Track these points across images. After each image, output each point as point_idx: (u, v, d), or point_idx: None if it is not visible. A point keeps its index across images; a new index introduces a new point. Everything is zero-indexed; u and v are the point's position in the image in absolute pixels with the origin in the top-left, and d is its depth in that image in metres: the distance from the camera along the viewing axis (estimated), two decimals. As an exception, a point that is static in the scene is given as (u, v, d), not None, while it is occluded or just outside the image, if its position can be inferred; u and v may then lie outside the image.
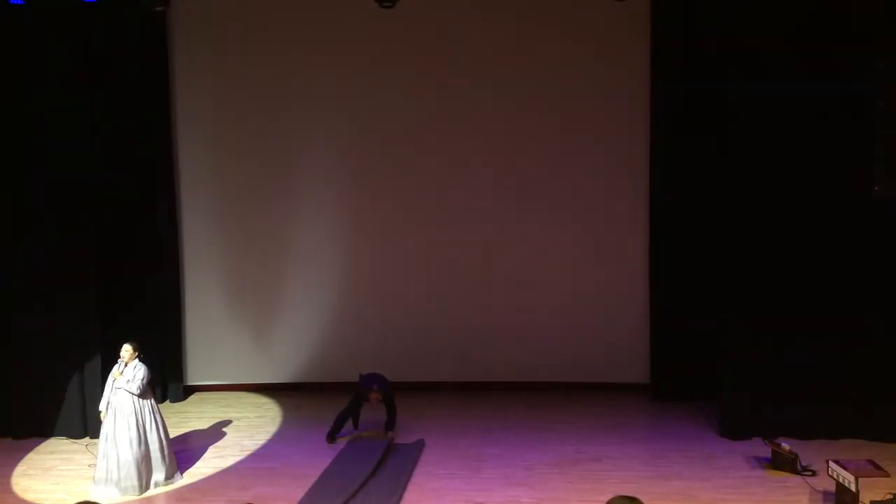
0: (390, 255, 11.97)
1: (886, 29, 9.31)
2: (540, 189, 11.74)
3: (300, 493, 8.65)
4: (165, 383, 11.77)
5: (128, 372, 8.85)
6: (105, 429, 8.83)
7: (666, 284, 11.35)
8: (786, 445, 9.06)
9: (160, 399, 11.72)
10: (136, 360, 8.93)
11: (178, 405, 11.72)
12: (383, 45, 11.61)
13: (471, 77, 11.63)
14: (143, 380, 8.81)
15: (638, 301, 11.66)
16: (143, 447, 8.80)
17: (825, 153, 9.55)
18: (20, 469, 9.53)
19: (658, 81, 11.17)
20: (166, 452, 9.03)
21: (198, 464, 9.58)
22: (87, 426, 10.33)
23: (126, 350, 8.93)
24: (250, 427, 10.78)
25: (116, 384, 8.79)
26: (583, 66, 11.52)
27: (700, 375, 10.98)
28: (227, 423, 10.95)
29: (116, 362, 8.93)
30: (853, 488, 7.69)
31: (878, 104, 9.40)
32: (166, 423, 9.24)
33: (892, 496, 7.85)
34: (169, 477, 9.04)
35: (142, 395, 8.87)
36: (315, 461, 9.55)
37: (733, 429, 9.93)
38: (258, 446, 10.13)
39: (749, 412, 9.87)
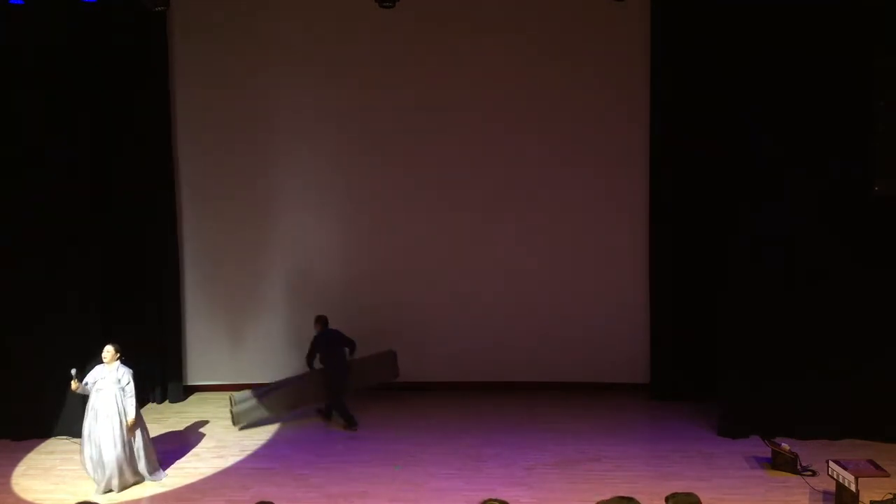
0: (390, 258, 11.96)
1: (886, 29, 9.31)
2: (540, 190, 11.74)
3: (300, 493, 8.68)
4: (165, 383, 11.78)
5: (111, 374, 8.79)
6: (86, 429, 8.80)
7: (666, 285, 11.35)
8: (786, 445, 9.07)
9: (160, 399, 11.74)
10: (118, 361, 8.88)
11: (178, 405, 11.71)
12: (383, 46, 11.60)
13: (471, 79, 11.63)
14: (129, 383, 8.80)
15: (638, 301, 11.65)
16: (126, 448, 8.79)
17: (825, 152, 9.55)
18: (20, 469, 9.53)
19: (658, 81, 11.17)
20: (150, 451, 9.05)
21: (198, 464, 9.58)
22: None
23: (107, 351, 8.85)
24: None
25: (102, 384, 8.77)
26: (583, 66, 11.52)
27: (699, 376, 11.00)
28: (227, 423, 10.94)
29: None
30: (853, 488, 7.69)
31: (878, 104, 9.40)
32: (146, 424, 9.24)
33: (892, 496, 7.85)
34: (151, 472, 9.03)
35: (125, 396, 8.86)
36: (315, 461, 9.57)
37: (733, 428, 9.94)
38: (258, 446, 10.13)
39: (749, 411, 9.88)
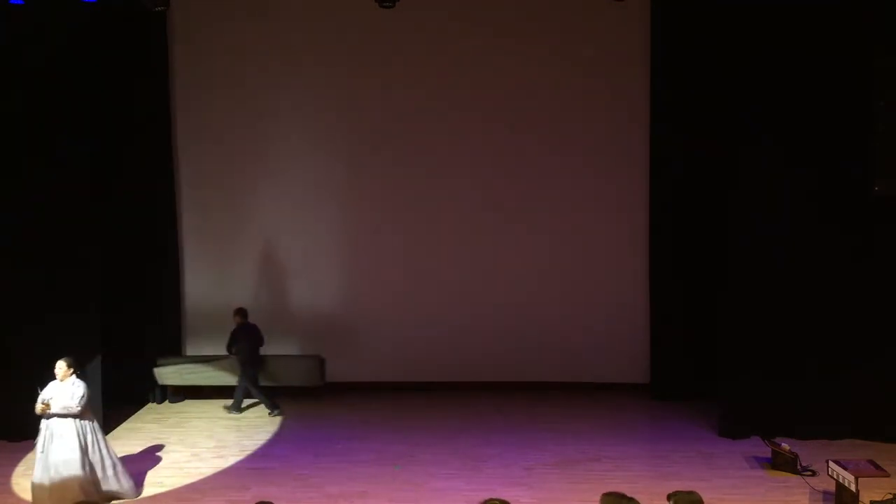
0: (392, 258, 11.97)
1: (886, 29, 9.31)
2: (540, 190, 11.74)
3: (300, 493, 8.67)
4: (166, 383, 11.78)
5: (64, 390, 8.11)
6: (39, 448, 8.12)
7: (666, 285, 11.36)
8: (786, 445, 9.07)
9: (160, 399, 11.74)
10: (73, 377, 8.20)
11: (178, 405, 11.71)
12: (384, 47, 11.61)
13: (470, 79, 11.64)
14: (82, 397, 8.08)
15: (638, 301, 11.66)
16: (87, 469, 8.13)
17: (825, 152, 9.54)
18: (20, 469, 9.52)
19: (658, 81, 11.18)
20: (118, 470, 8.43)
21: (198, 464, 9.58)
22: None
23: (59, 367, 8.16)
24: (250, 427, 10.78)
25: (54, 409, 8.04)
26: (583, 66, 11.53)
27: (699, 376, 11.00)
28: (227, 423, 10.95)
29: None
30: (853, 488, 7.69)
31: (878, 104, 9.39)
32: (108, 441, 8.61)
33: (892, 496, 7.84)
34: (123, 491, 8.47)
35: (81, 416, 8.15)
36: (315, 461, 9.57)
37: (733, 428, 9.94)
38: (258, 446, 10.13)
39: (749, 411, 9.88)
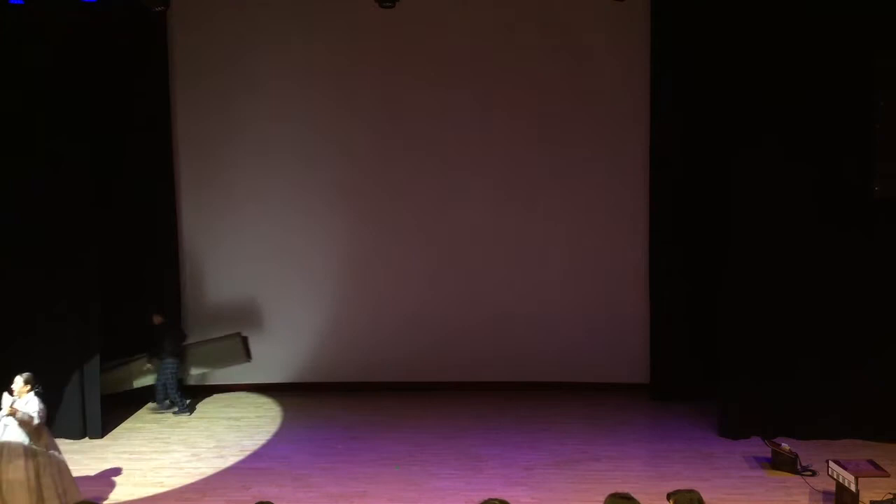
0: (391, 257, 11.97)
1: (886, 29, 9.32)
2: (541, 190, 11.74)
3: (300, 493, 8.67)
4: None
5: (20, 407, 7.74)
6: None
7: (666, 285, 11.35)
8: (786, 445, 9.07)
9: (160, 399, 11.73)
10: (30, 394, 7.84)
11: (178, 405, 11.72)
12: (384, 47, 11.61)
13: (470, 79, 11.62)
14: (39, 411, 7.73)
15: (638, 301, 11.65)
16: (34, 495, 7.71)
17: (825, 153, 9.54)
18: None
19: (658, 81, 11.17)
20: (68, 498, 7.90)
21: (198, 464, 9.58)
22: (87, 427, 10.34)
23: (16, 383, 7.84)
24: (250, 427, 10.78)
25: (8, 420, 7.72)
26: (583, 66, 11.53)
27: (699, 376, 11.00)
28: (227, 423, 10.95)
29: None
30: (853, 488, 7.69)
31: (879, 104, 9.39)
32: (66, 463, 8.16)
33: (892, 496, 7.85)
34: None
35: (38, 436, 7.81)
36: (315, 461, 9.57)
37: (733, 428, 9.94)
38: (258, 446, 10.13)
39: (748, 411, 9.88)
